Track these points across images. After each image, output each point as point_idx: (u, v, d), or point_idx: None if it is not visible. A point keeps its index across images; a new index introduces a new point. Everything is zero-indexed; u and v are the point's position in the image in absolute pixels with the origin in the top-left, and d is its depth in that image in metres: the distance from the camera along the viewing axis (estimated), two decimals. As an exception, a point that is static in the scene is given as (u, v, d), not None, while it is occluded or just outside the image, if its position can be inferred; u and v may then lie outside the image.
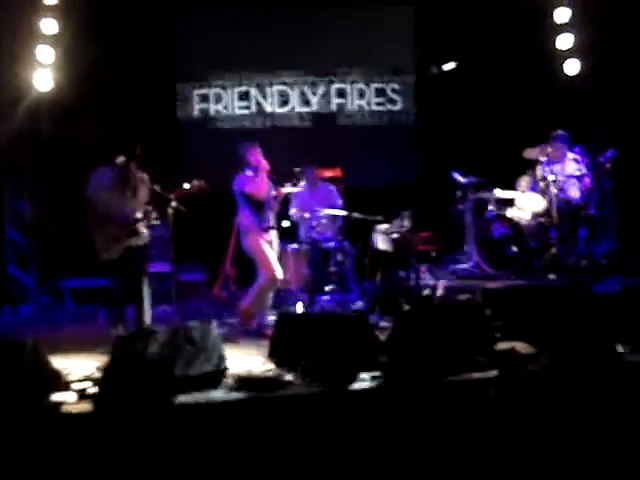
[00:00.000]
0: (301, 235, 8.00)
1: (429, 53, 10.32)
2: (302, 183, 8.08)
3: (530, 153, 7.76)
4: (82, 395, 4.36)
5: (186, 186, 6.62)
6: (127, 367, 4.15)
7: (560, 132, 7.98)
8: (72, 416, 4.07)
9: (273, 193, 6.97)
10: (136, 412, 3.93)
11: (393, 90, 10.77)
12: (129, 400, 3.99)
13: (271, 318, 6.64)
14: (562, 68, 9.80)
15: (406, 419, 4.34)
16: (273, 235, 6.95)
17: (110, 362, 4.32)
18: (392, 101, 10.79)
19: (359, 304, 7.62)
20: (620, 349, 4.77)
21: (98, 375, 4.47)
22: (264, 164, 6.82)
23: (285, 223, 8.02)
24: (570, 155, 8.00)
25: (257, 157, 6.86)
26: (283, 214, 7.74)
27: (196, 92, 10.42)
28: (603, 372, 4.40)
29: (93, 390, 4.36)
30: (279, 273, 6.88)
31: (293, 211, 7.95)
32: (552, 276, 7.02)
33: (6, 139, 8.77)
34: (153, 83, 9.81)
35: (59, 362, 5.14)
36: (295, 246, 7.77)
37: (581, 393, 4.00)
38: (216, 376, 4.81)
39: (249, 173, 6.88)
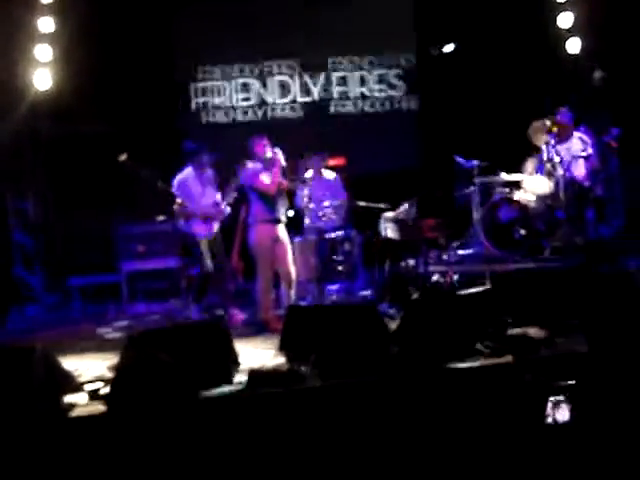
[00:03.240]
0: (307, 225, 7.96)
1: (429, 36, 10.25)
2: (308, 174, 8.03)
3: (535, 133, 7.66)
4: (94, 396, 4.36)
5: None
6: (140, 367, 4.11)
7: (564, 109, 7.91)
8: (84, 418, 4.06)
9: (285, 185, 6.95)
10: (151, 410, 3.91)
11: (394, 75, 10.70)
12: (143, 399, 3.96)
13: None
14: (564, 47, 9.73)
15: (419, 408, 4.32)
16: (281, 229, 6.92)
17: (122, 362, 4.30)
18: (393, 86, 10.72)
19: (368, 293, 7.59)
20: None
21: (110, 375, 4.45)
22: (278, 157, 6.78)
23: (290, 213, 7.98)
24: (576, 134, 7.92)
25: (264, 149, 6.82)
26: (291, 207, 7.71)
27: (195, 86, 10.35)
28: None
29: (105, 391, 4.35)
30: (292, 267, 6.87)
31: (305, 199, 7.89)
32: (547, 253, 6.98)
33: (7, 139, 8.74)
34: (152, 79, 9.74)
35: (70, 363, 5.16)
36: (301, 237, 7.73)
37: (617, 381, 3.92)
38: (229, 371, 4.80)
39: (257, 165, 6.84)
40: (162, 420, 3.87)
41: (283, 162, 6.83)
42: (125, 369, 4.20)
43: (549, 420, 4.01)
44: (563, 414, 3.97)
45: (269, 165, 6.77)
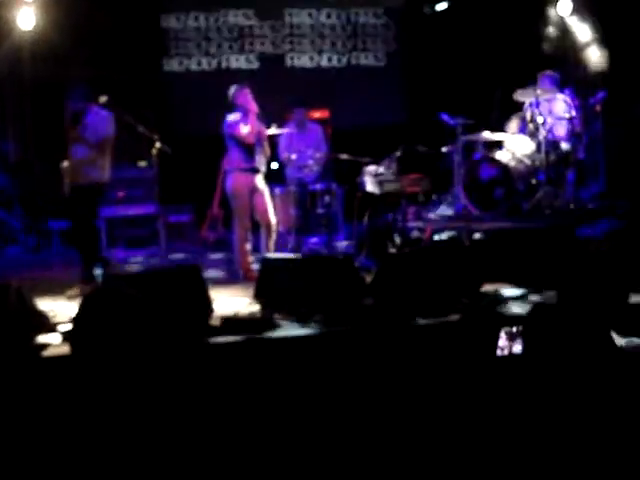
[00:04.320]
0: (289, 177, 7.96)
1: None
2: (290, 125, 8.01)
3: (520, 95, 7.68)
4: (67, 337, 4.39)
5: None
6: (107, 306, 4.11)
7: (549, 72, 7.91)
8: (55, 358, 4.09)
9: (264, 134, 6.92)
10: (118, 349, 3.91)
11: (383, 28, 10.59)
12: (109, 336, 3.96)
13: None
14: (555, 8, 9.69)
15: (391, 359, 4.38)
16: (259, 179, 6.90)
17: (86, 301, 4.28)
18: (379, 42, 10.61)
19: (347, 246, 7.63)
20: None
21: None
22: (253, 106, 6.75)
23: (274, 165, 7.97)
24: (560, 96, 7.93)
25: (246, 99, 6.78)
26: (273, 158, 7.69)
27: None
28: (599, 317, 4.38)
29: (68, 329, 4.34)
30: (272, 217, 6.89)
31: (287, 151, 7.87)
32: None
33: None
34: (139, 22, 9.59)
35: (46, 304, 5.18)
36: (282, 188, 7.73)
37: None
38: (202, 317, 4.84)
39: (238, 115, 6.81)
40: (131, 359, 3.89)
41: (256, 110, 6.79)
42: (90, 303, 4.17)
43: (502, 352, 4.09)
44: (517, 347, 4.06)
45: (249, 115, 6.73)
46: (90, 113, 6.31)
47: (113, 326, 3.94)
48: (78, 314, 4.13)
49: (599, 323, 3.78)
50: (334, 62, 10.49)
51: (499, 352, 4.11)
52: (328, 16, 10.46)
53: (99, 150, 6.29)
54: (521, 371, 3.87)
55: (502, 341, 4.13)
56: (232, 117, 6.79)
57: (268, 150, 7.03)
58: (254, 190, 6.84)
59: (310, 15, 10.41)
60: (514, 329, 4.11)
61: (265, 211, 6.88)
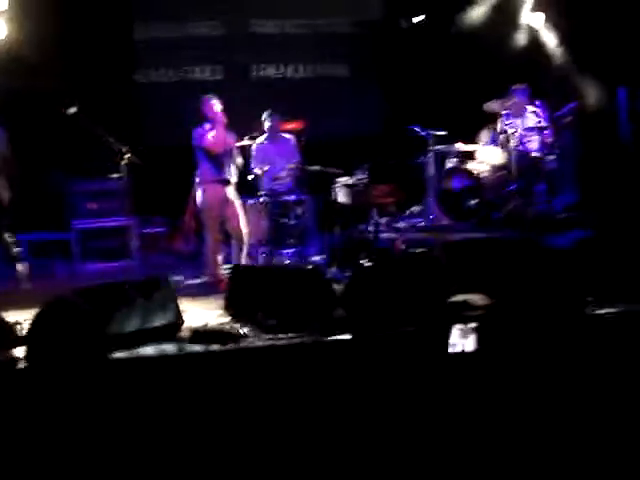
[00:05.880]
0: (261, 188, 7.94)
1: (397, 6, 10.24)
2: (263, 136, 8.00)
3: (490, 106, 7.76)
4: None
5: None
6: (59, 320, 4.08)
7: (520, 86, 7.99)
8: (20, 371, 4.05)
9: (233, 145, 6.92)
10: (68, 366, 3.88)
11: (358, 40, 10.62)
12: (60, 354, 3.93)
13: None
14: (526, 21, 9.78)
15: (363, 370, 4.37)
16: (230, 190, 6.88)
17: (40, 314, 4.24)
18: (355, 53, 10.64)
19: (319, 258, 7.62)
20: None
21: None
22: (221, 116, 6.75)
23: (249, 177, 7.95)
24: (530, 108, 8.00)
25: (214, 110, 6.79)
26: (246, 170, 7.68)
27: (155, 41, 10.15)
28: (561, 324, 4.43)
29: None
30: (243, 228, 6.87)
31: (261, 165, 7.86)
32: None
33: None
34: (110, 33, 9.56)
35: (13, 316, 5.11)
36: (255, 199, 7.71)
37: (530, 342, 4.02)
38: (171, 329, 4.81)
39: (207, 126, 6.81)
40: (83, 373, 3.85)
41: (224, 120, 6.79)
42: (43, 317, 4.14)
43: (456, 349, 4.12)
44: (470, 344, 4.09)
45: (216, 125, 6.74)
46: None
47: (66, 339, 3.91)
48: (30, 328, 4.10)
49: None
50: (302, 73, 10.50)
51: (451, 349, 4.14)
52: (296, 26, 10.47)
53: None
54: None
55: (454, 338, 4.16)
56: (200, 129, 6.79)
57: (239, 161, 7.02)
58: (225, 201, 6.83)
59: (277, 26, 10.41)
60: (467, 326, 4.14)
61: (236, 222, 6.86)
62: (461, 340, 4.12)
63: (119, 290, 4.71)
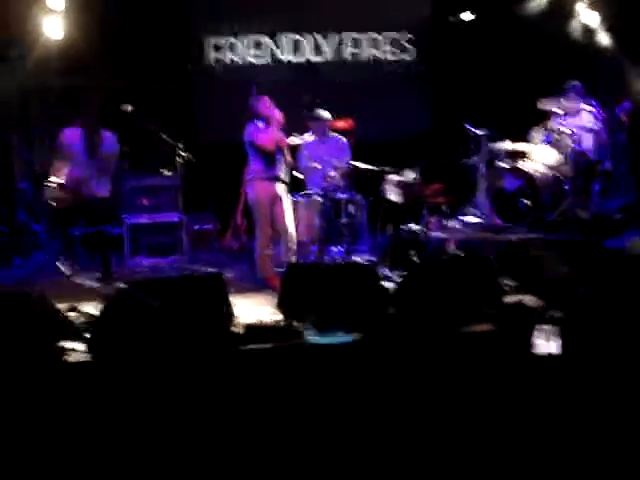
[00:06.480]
0: (311, 186, 7.95)
1: (445, 3, 10.16)
2: (313, 135, 8.02)
3: (544, 104, 7.65)
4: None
5: None
6: (126, 315, 4.12)
7: (574, 83, 7.87)
8: (79, 364, 4.10)
9: (284, 143, 6.95)
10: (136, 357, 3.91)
11: (407, 41, 10.59)
12: (127, 345, 3.96)
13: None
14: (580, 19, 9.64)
15: (413, 370, 4.36)
16: (281, 189, 6.91)
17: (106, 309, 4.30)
18: (405, 51, 10.61)
19: (370, 257, 7.60)
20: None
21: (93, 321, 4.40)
22: (277, 115, 6.78)
23: (299, 175, 7.98)
24: (586, 107, 7.88)
25: (268, 108, 6.82)
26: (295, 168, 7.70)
27: (210, 41, 10.24)
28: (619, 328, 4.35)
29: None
30: (291, 227, 6.89)
31: (310, 160, 7.87)
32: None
33: (15, 89, 8.69)
34: (166, 31, 9.67)
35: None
36: (306, 197, 7.72)
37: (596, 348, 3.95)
38: (224, 325, 4.83)
39: (260, 124, 6.84)
40: (148, 368, 3.89)
41: (280, 119, 6.81)
42: (108, 312, 4.19)
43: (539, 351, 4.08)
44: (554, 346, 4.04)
45: (271, 124, 6.76)
46: None
47: (132, 333, 3.94)
48: (97, 321, 4.15)
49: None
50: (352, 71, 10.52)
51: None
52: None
53: None
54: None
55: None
56: (252, 126, 6.82)
57: (290, 159, 7.05)
58: (275, 199, 6.86)
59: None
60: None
61: (284, 221, 6.89)
62: (544, 342, 4.07)
63: (179, 285, 4.76)
